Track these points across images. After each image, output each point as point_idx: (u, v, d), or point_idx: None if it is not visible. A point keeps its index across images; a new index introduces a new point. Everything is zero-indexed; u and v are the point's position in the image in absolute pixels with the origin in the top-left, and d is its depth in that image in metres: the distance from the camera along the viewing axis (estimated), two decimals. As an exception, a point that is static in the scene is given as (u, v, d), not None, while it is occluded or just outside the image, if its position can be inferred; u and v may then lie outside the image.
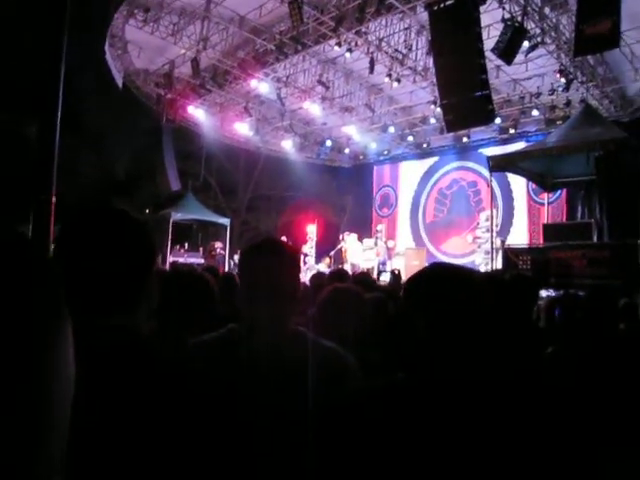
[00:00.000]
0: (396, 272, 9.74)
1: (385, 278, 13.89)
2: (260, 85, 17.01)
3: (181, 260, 17.77)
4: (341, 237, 18.21)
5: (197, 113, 19.27)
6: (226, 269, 18.72)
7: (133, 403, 1.11)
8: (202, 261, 18.22)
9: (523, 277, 3.48)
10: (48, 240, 5.75)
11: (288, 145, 22.15)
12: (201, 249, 20.33)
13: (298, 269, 1.80)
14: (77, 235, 1.27)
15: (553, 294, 9.93)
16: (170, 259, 17.36)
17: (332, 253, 18.38)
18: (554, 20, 12.70)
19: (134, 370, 1.16)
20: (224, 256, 18.98)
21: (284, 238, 18.55)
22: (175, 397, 1.19)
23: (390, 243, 18.76)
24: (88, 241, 1.24)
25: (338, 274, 4.94)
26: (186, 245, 20.05)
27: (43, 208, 6.09)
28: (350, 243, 17.66)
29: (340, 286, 2.85)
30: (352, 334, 2.36)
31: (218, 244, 19.27)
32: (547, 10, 12.45)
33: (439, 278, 1.45)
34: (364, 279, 4.80)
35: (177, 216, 18.57)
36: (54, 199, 6.29)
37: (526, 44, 12.04)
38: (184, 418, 1.19)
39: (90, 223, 1.29)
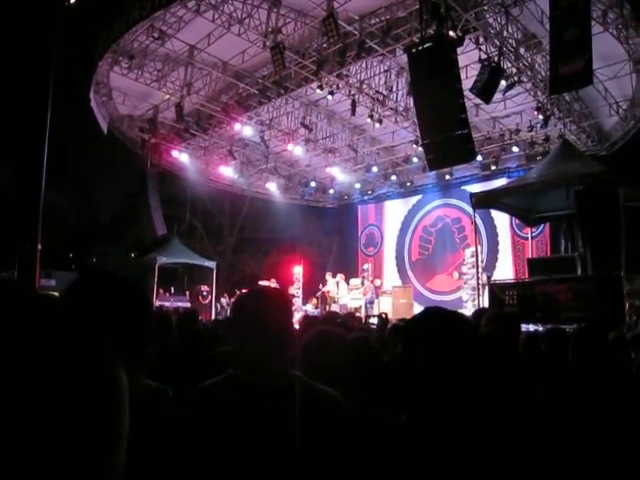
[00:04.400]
0: (383, 316, 9.80)
1: (374, 321, 13.82)
2: (244, 128, 17.20)
3: (167, 304, 17.61)
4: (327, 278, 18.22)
5: (182, 157, 19.37)
6: (213, 312, 18.60)
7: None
8: (189, 305, 18.07)
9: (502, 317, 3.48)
10: (33, 287, 5.68)
11: (273, 187, 22.30)
12: (187, 293, 20.17)
13: (289, 313, 1.81)
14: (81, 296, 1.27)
15: (540, 328, 9.95)
16: (156, 303, 17.19)
17: (318, 294, 18.33)
18: (529, 60, 13.09)
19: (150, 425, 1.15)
20: (211, 300, 18.88)
21: (274, 280, 18.59)
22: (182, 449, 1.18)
23: (377, 282, 18.73)
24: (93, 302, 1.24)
25: (330, 317, 4.94)
26: (172, 289, 19.90)
27: (28, 256, 6.04)
28: (333, 284, 17.64)
29: (323, 329, 2.86)
30: (336, 374, 2.34)
31: (204, 287, 19.15)
32: (522, 50, 12.84)
33: (437, 324, 1.49)
34: (345, 322, 4.82)
35: (163, 260, 18.47)
36: (39, 247, 6.24)
37: (503, 83, 12.37)
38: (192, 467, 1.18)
39: (94, 289, 1.29)
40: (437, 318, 1.53)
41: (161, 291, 18.45)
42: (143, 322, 1.31)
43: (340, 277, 17.88)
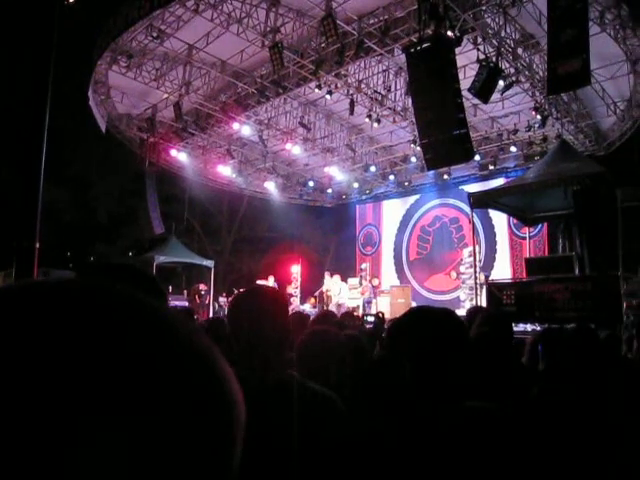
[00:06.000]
0: (380, 315, 9.81)
1: (371, 320, 13.86)
2: (242, 128, 17.20)
3: (165, 303, 17.59)
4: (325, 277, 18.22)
5: (180, 156, 19.36)
6: (210, 311, 18.60)
7: None
8: (187, 304, 18.06)
9: (495, 315, 3.50)
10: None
11: (271, 186, 22.29)
12: (185, 292, 20.17)
13: (285, 313, 1.83)
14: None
15: (538, 328, 9.98)
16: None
17: (316, 294, 18.34)
18: (527, 60, 13.12)
19: None
20: (209, 299, 18.88)
21: (272, 278, 18.60)
22: None
23: (375, 281, 18.76)
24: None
25: (323, 316, 4.94)
26: (170, 288, 19.90)
27: (27, 254, 6.04)
28: (331, 284, 17.64)
29: (318, 328, 2.87)
30: (333, 374, 2.36)
31: (202, 286, 19.15)
32: (520, 50, 12.87)
33: (420, 322, 1.49)
34: (341, 322, 4.83)
35: (161, 259, 18.48)
36: (37, 245, 6.24)
37: (501, 83, 12.39)
38: None
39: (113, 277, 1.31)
40: (420, 316, 1.53)
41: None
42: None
43: (337, 277, 17.89)
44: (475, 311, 4.35)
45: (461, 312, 13.95)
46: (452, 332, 1.46)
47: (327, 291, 17.53)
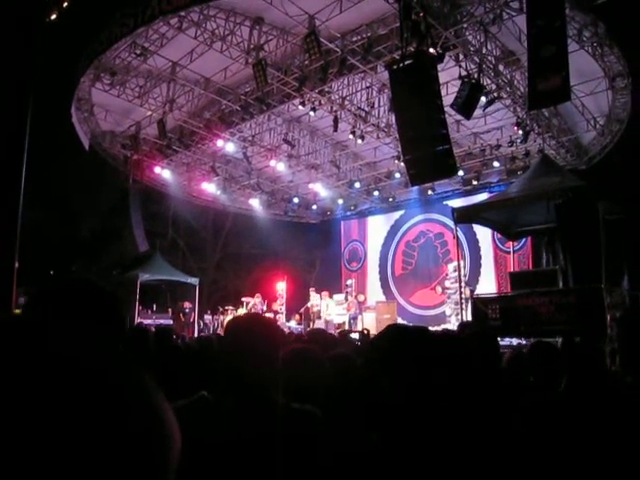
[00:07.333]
0: (365, 332, 9.77)
1: (355, 336, 13.80)
2: (226, 145, 17.21)
3: (149, 322, 17.42)
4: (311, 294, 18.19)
5: (164, 174, 19.28)
6: (196, 330, 18.44)
7: None
8: (171, 322, 17.90)
9: (480, 334, 3.49)
10: (11, 308, 5.58)
11: (256, 203, 22.29)
12: (170, 310, 19.98)
13: (279, 342, 1.87)
14: (45, 307, 1.22)
15: (524, 342, 9.99)
16: (138, 321, 16.99)
17: (302, 310, 18.28)
18: (508, 76, 13.31)
19: None
20: (194, 317, 18.73)
21: (259, 295, 18.52)
22: None
23: (360, 297, 18.75)
24: (56, 312, 1.21)
25: (314, 334, 4.91)
26: (154, 306, 19.71)
27: (5, 275, 5.91)
28: (317, 300, 17.60)
29: (297, 346, 2.85)
30: (313, 392, 2.33)
31: (187, 304, 19.00)
32: (501, 67, 13.06)
33: (397, 342, 1.49)
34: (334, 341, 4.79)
35: (145, 277, 18.30)
36: (17, 265, 6.12)
37: (483, 99, 12.53)
38: None
39: (57, 295, 1.26)
40: (395, 335, 1.53)
41: (140, 308, 18.23)
42: (117, 330, 1.28)
43: (324, 294, 17.85)
44: (465, 326, 4.36)
45: (447, 326, 13.98)
46: (426, 349, 1.48)
47: (312, 307, 17.47)
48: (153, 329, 6.17)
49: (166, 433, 0.46)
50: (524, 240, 16.41)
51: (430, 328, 1.83)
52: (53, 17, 10.76)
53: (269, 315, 15.96)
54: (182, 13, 12.08)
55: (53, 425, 0.38)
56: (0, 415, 0.37)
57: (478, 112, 13.04)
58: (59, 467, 0.37)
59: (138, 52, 13.31)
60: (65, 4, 12.66)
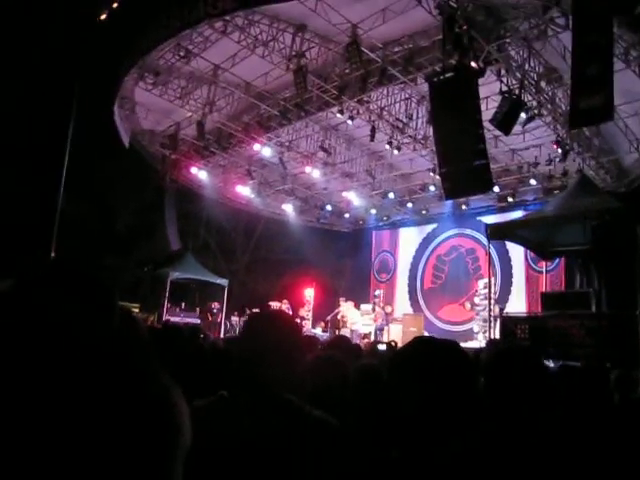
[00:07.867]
0: (393, 344, 9.67)
1: (382, 348, 13.72)
2: (263, 149, 17.34)
3: (177, 319, 17.61)
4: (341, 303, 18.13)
5: (200, 174, 19.53)
6: (222, 330, 18.57)
7: None
8: (198, 321, 18.07)
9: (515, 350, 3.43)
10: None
11: (289, 208, 22.39)
12: (198, 309, 20.17)
13: (298, 339, 1.82)
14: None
15: (552, 364, 9.79)
16: (165, 318, 17.21)
17: (329, 318, 18.24)
18: (550, 93, 13.11)
19: None
20: (221, 317, 18.87)
21: (286, 301, 18.55)
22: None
23: (388, 308, 18.62)
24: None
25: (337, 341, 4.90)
26: (183, 305, 19.93)
27: (40, 265, 6.04)
28: (347, 310, 17.55)
29: (322, 354, 2.83)
30: (336, 400, 2.32)
31: (215, 304, 19.17)
32: (543, 84, 12.87)
33: (423, 356, 1.45)
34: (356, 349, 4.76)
35: (175, 275, 18.54)
36: (53, 255, 6.28)
37: (523, 116, 12.36)
38: None
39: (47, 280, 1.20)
40: (424, 348, 1.50)
41: (169, 305, 18.46)
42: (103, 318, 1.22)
43: (350, 303, 17.79)
44: (493, 343, 4.29)
45: (474, 344, 13.80)
46: (457, 366, 1.43)
47: (343, 317, 17.39)
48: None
49: (176, 422, 0.50)
50: (557, 260, 16.12)
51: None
52: (103, 17, 11.03)
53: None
54: (227, 17, 12.26)
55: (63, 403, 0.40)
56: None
57: (517, 128, 12.86)
58: (68, 439, 0.39)
59: (182, 54, 13.54)
60: (115, 5, 12.98)
